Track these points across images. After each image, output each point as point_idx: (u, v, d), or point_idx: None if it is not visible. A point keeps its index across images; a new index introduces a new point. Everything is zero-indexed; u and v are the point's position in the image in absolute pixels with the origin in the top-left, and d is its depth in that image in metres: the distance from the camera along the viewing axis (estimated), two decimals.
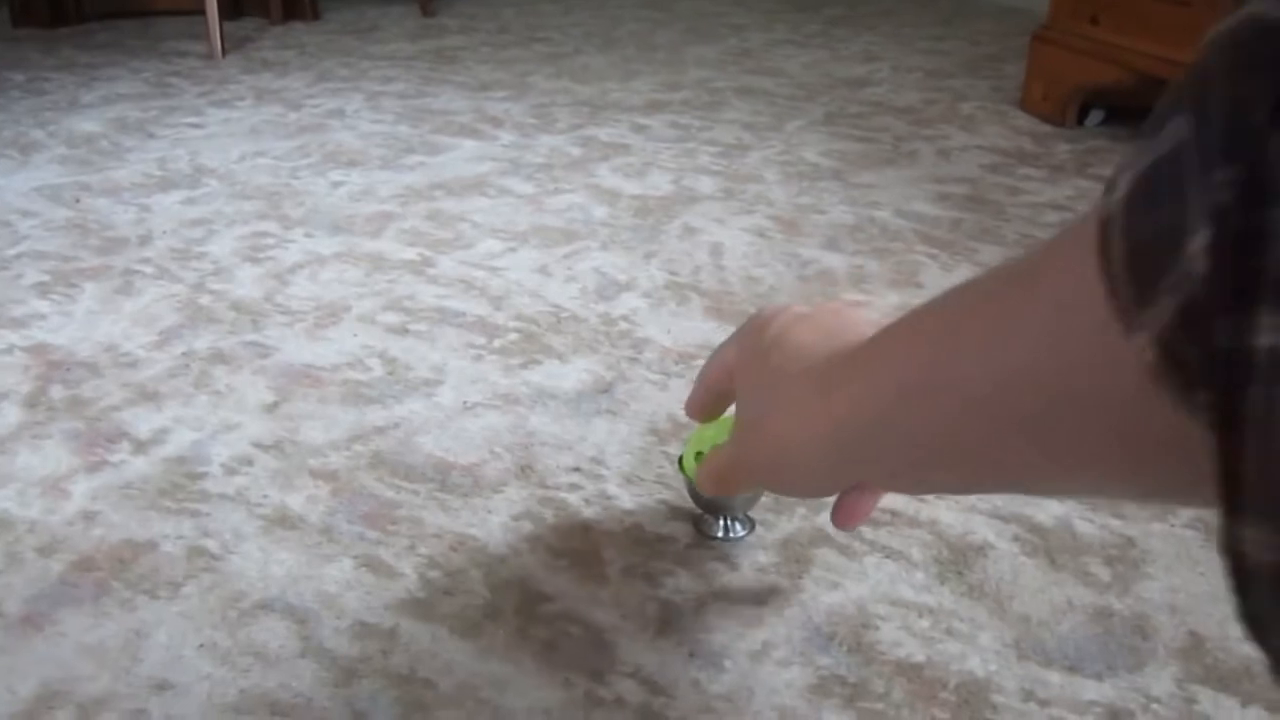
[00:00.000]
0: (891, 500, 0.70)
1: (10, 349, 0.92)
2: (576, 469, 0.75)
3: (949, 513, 0.70)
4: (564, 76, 1.96)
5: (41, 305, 1.01)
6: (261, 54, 2.18)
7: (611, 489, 0.72)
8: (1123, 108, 1.73)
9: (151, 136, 1.56)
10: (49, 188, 1.33)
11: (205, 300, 1.01)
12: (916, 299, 1.01)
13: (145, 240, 1.16)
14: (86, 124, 1.62)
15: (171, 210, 1.25)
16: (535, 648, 0.58)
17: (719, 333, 0.94)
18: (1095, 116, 1.71)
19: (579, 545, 0.67)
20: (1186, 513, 0.70)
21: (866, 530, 0.68)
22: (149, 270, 1.08)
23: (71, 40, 2.33)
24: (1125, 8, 1.55)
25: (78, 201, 1.28)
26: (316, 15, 2.65)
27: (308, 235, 1.17)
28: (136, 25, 2.56)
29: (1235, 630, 0.59)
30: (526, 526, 0.69)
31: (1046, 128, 1.67)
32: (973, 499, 0.71)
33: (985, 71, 2.08)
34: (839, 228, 1.21)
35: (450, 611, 0.61)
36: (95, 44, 2.29)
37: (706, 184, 1.35)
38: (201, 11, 2.27)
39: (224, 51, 2.15)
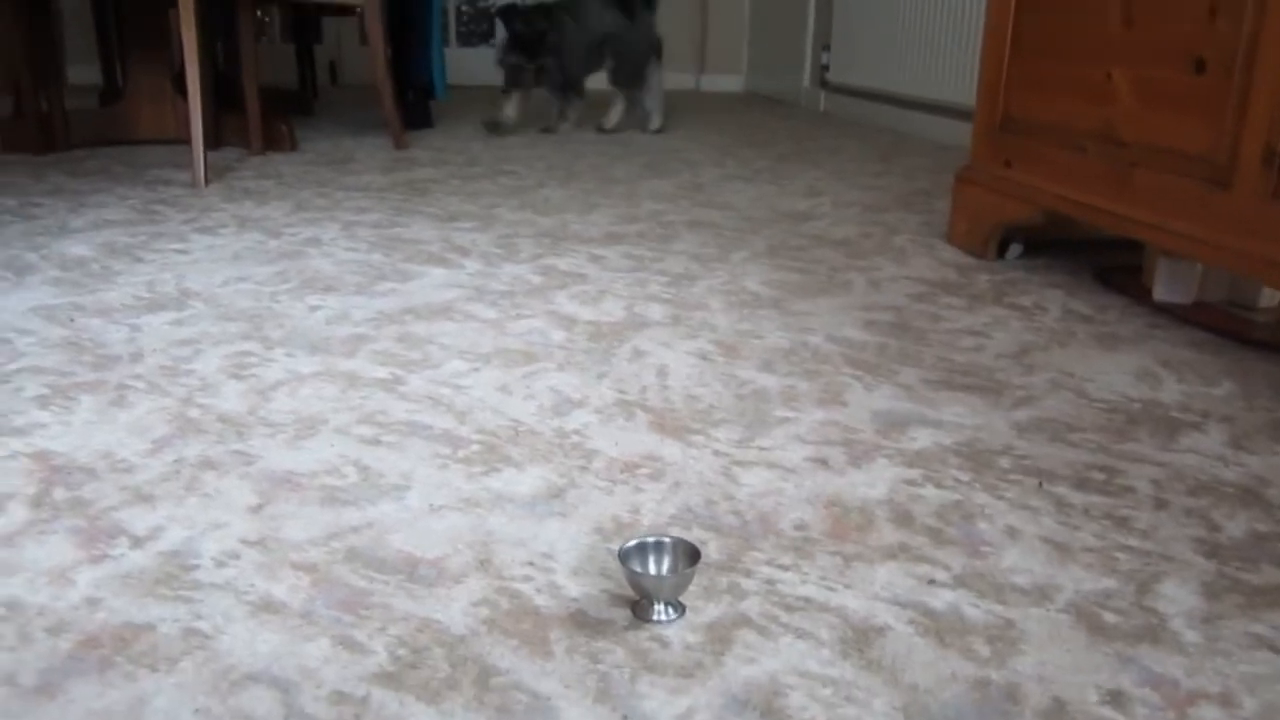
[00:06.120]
0: (804, 589, 0.80)
1: (14, 455, 1.01)
2: (530, 563, 0.84)
3: (856, 600, 0.80)
4: (527, 209, 2.11)
5: (42, 415, 1.10)
6: (243, 183, 2.32)
7: (560, 580, 0.82)
8: (1039, 241, 1.89)
9: (139, 261, 1.67)
10: (44, 308, 1.43)
11: (194, 413, 1.11)
12: (840, 415, 1.13)
13: (137, 357, 1.26)
14: (77, 248, 1.73)
15: (160, 330, 1.36)
16: (489, 713, 0.67)
17: (661, 445, 1.05)
18: (1015, 250, 1.87)
19: (530, 627, 0.76)
20: (1062, 598, 0.81)
21: (782, 614, 0.78)
22: (141, 385, 1.18)
23: (60, 166, 2.46)
24: (1033, 153, 1.72)
25: (72, 321, 1.38)
26: (294, 146, 2.81)
27: (288, 355, 1.28)
28: (122, 153, 2.70)
29: (1094, 696, 0.70)
30: (484, 611, 0.78)
31: (970, 260, 1.83)
32: (877, 587, 0.81)
33: (918, 206, 2.25)
34: (775, 351, 1.33)
35: (416, 682, 0.70)
36: (83, 171, 2.42)
37: (656, 311, 1.47)
38: (184, 141, 2.42)
39: (207, 180, 2.28)
